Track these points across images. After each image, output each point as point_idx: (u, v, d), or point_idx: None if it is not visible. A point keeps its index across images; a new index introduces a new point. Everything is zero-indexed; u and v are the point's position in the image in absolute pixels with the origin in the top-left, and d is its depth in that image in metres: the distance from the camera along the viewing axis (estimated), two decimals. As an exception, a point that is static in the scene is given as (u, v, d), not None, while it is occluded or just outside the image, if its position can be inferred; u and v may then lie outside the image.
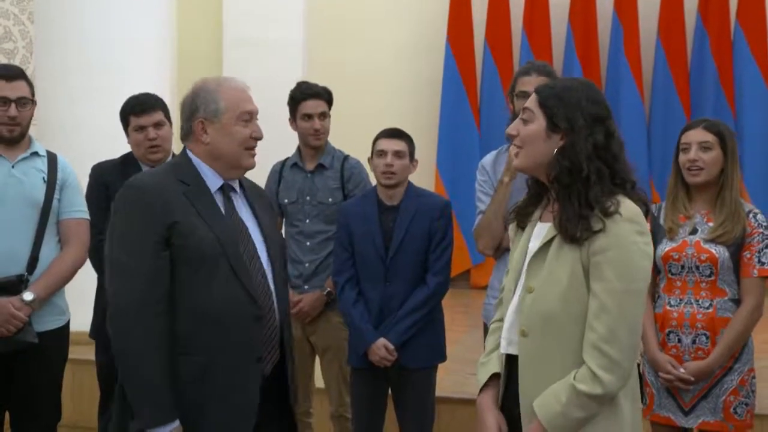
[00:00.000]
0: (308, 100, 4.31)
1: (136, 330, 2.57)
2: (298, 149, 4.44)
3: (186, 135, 2.82)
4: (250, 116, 2.80)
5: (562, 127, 2.40)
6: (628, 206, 2.36)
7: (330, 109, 4.39)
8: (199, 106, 2.78)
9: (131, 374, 2.60)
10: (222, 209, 2.77)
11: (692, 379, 3.40)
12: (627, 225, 2.33)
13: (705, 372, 3.40)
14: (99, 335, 4.09)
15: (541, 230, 2.50)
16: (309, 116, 4.30)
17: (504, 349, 2.51)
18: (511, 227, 2.64)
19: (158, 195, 2.65)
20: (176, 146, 4.14)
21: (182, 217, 2.64)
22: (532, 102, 2.47)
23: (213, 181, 2.79)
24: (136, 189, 2.69)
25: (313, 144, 4.33)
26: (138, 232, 2.62)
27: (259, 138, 2.82)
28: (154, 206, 2.63)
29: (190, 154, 2.82)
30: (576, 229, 2.35)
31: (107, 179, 4.02)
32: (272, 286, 2.78)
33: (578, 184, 2.37)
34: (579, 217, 2.35)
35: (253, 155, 2.83)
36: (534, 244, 2.49)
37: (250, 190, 2.94)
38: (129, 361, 2.60)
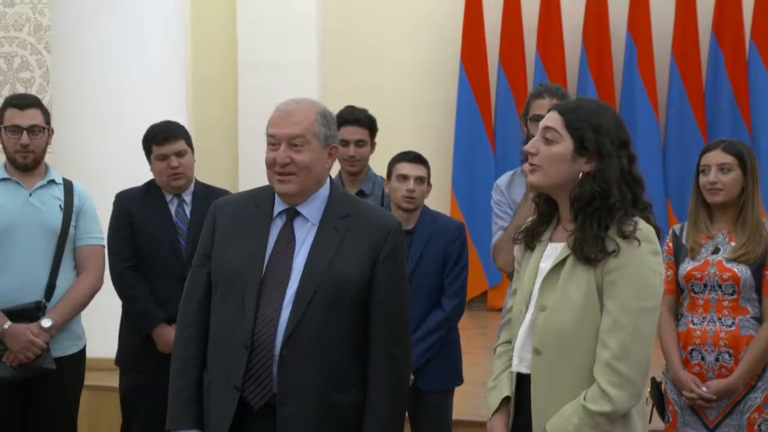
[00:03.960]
0: (346, 125, 4.19)
1: (175, 337, 2.80)
2: (339, 173, 4.36)
3: None
4: (273, 139, 2.64)
5: (591, 151, 2.42)
6: (643, 227, 2.39)
7: (374, 136, 4.31)
8: None
9: None
10: (274, 234, 2.69)
11: (714, 398, 3.40)
12: (643, 245, 2.36)
13: (728, 390, 3.40)
14: (125, 362, 4.03)
15: (552, 250, 2.50)
16: (346, 142, 4.20)
17: (516, 367, 2.51)
18: (518, 248, 2.63)
19: (216, 214, 2.75)
20: (197, 172, 4.17)
21: (222, 237, 2.71)
22: (555, 122, 2.46)
23: (280, 205, 2.72)
24: (211, 207, 2.81)
25: (348, 170, 4.29)
26: (197, 247, 2.80)
27: (270, 164, 2.63)
28: (208, 224, 2.77)
29: None
30: (591, 250, 2.36)
31: (130, 208, 4.00)
32: (282, 322, 2.59)
33: (603, 208, 2.39)
34: (596, 238, 2.37)
35: (281, 180, 2.64)
36: (546, 264, 2.50)
37: (345, 222, 2.69)
38: None
